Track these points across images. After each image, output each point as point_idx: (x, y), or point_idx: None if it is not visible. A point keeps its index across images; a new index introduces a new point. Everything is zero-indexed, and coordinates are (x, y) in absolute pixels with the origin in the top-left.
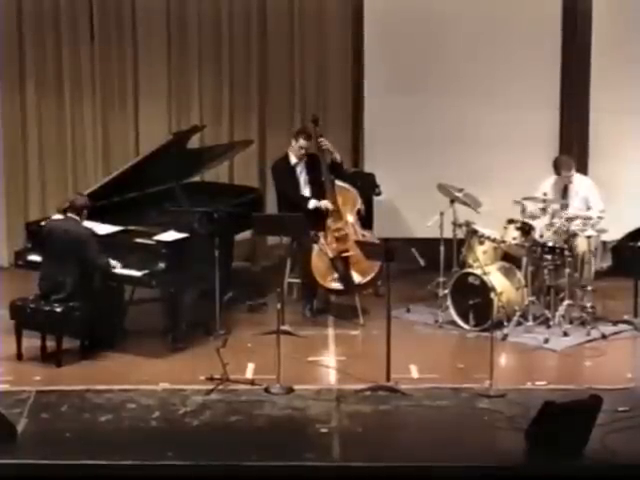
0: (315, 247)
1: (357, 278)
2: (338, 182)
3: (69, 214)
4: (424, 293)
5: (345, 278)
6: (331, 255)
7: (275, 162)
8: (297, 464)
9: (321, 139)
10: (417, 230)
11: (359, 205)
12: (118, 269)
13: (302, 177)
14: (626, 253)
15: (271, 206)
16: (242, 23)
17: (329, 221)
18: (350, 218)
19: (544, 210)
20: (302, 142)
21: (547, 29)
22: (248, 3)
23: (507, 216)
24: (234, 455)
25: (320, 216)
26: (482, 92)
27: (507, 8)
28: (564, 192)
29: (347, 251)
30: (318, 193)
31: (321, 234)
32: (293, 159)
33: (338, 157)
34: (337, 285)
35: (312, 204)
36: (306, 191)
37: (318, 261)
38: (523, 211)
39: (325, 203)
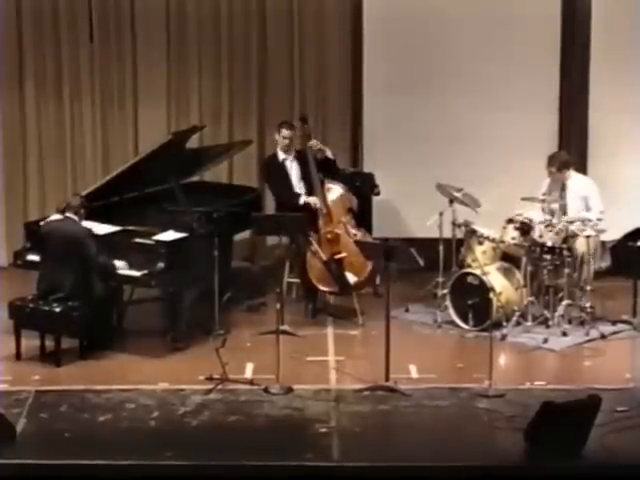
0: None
1: (352, 278)
2: (328, 182)
3: (67, 214)
4: (423, 293)
5: (340, 279)
6: (324, 258)
7: (264, 161)
8: (296, 464)
9: (310, 142)
10: (416, 230)
11: (350, 204)
12: (122, 270)
13: (294, 173)
14: (625, 253)
15: (270, 206)
16: (241, 23)
17: (320, 223)
18: (341, 218)
19: (543, 210)
20: (285, 132)
21: (547, 29)
22: (247, 3)
23: (506, 216)
24: (233, 455)
25: (312, 216)
26: (482, 92)
27: (507, 8)
28: (562, 191)
29: (340, 252)
30: (311, 190)
31: (314, 237)
32: (281, 155)
33: (330, 154)
34: (332, 287)
35: (302, 200)
36: (300, 187)
37: (312, 264)
38: (530, 222)
39: (314, 199)
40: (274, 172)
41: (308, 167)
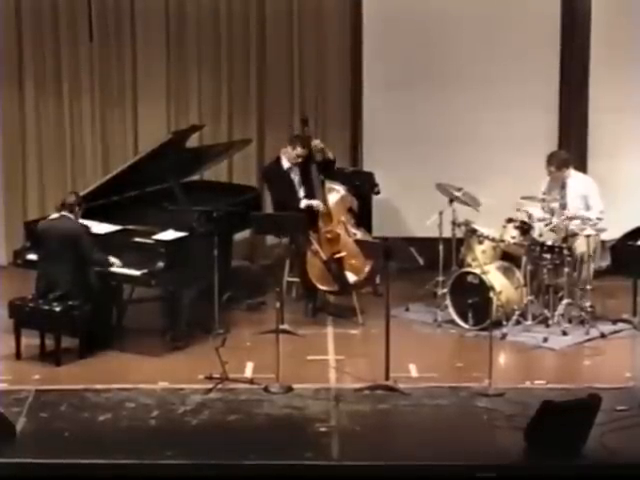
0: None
1: (352, 277)
2: (329, 183)
3: (63, 212)
4: (423, 292)
5: (340, 279)
6: (324, 257)
7: (266, 167)
8: (296, 463)
9: (314, 142)
10: (416, 229)
11: (349, 203)
12: (117, 268)
13: (296, 178)
14: (625, 252)
15: (270, 205)
16: (241, 23)
17: (320, 222)
18: (341, 218)
19: (543, 209)
20: (299, 150)
21: (546, 28)
22: (247, 3)
23: (506, 215)
24: (233, 454)
25: (313, 216)
26: (481, 91)
27: (507, 7)
28: (562, 190)
29: (340, 252)
30: (311, 193)
31: (314, 237)
32: (286, 164)
33: (331, 155)
34: (332, 286)
35: (303, 203)
36: (301, 192)
37: (312, 263)
38: (529, 217)
39: (317, 202)
40: (277, 180)
41: (309, 170)
